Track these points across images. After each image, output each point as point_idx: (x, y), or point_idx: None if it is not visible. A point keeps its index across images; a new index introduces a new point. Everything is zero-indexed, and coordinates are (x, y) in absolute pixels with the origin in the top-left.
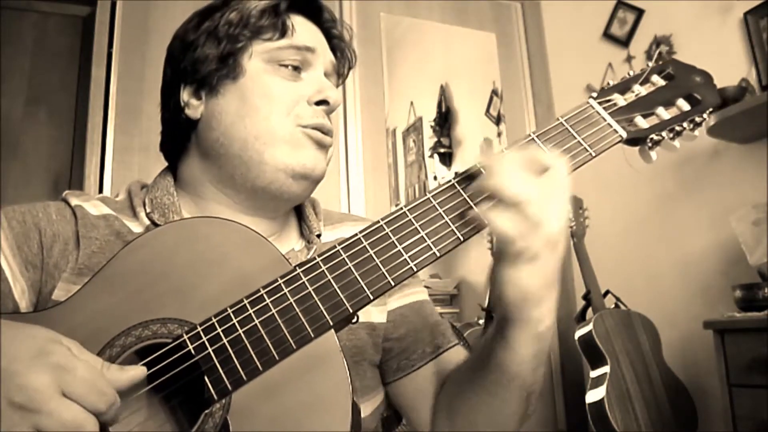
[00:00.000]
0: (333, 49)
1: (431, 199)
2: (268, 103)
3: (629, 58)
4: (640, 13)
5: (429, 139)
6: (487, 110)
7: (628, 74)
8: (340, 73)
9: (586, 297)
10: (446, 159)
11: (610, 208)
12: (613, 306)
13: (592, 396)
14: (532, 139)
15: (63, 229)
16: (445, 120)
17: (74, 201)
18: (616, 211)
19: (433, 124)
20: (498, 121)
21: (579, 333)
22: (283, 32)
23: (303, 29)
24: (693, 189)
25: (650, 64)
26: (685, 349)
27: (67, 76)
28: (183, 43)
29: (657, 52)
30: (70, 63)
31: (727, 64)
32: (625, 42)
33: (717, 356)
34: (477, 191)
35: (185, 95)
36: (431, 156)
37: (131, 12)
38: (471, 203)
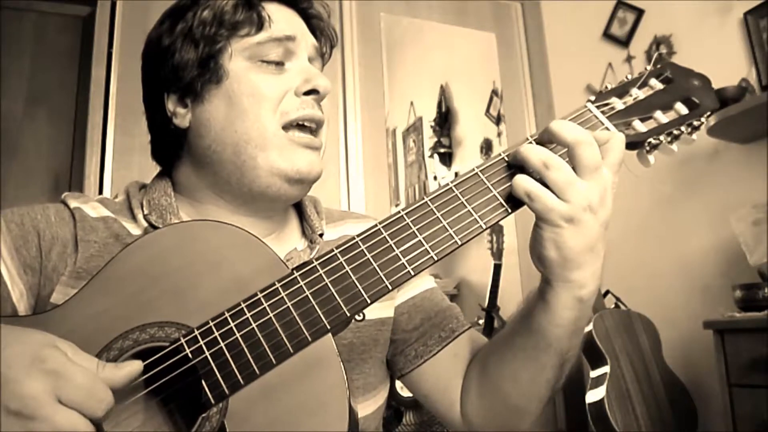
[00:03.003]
0: (313, 31)
1: (429, 203)
2: (256, 103)
3: (629, 58)
4: (640, 13)
5: (429, 139)
6: (487, 110)
7: (627, 77)
8: (323, 54)
9: None
10: (446, 159)
11: None
12: (613, 306)
13: (592, 396)
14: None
15: (62, 232)
16: (445, 120)
17: (73, 203)
18: (616, 211)
19: (433, 124)
20: (498, 121)
21: None
22: (260, 25)
23: (279, 17)
24: (693, 189)
25: (649, 68)
26: (685, 349)
27: (67, 76)
28: (159, 48)
29: (657, 54)
30: (70, 63)
31: (727, 64)
32: (625, 42)
33: (717, 356)
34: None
35: (170, 105)
36: (431, 156)
37: (131, 12)
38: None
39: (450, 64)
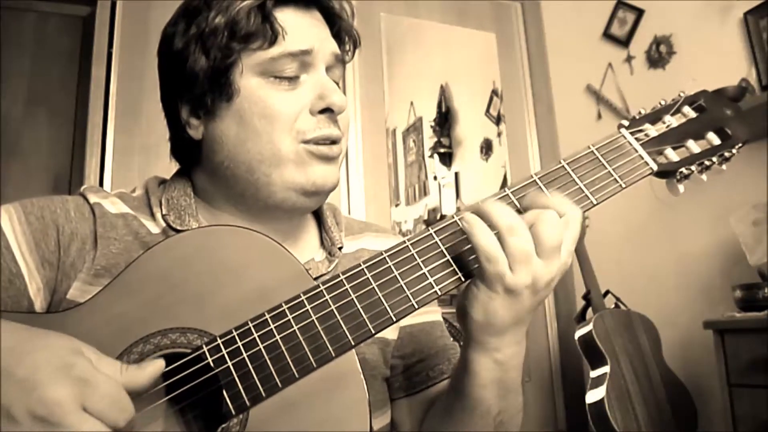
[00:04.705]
0: (336, 32)
1: (458, 222)
2: (269, 123)
3: (629, 58)
4: (640, 13)
5: (429, 139)
6: (487, 110)
7: (660, 103)
8: (344, 58)
9: (586, 297)
10: (446, 159)
11: (610, 208)
12: (613, 306)
13: (592, 396)
14: (563, 166)
15: (81, 228)
16: (445, 120)
17: (93, 198)
18: (617, 211)
19: (433, 124)
20: (498, 121)
21: (579, 333)
22: (273, 39)
23: (296, 27)
24: (693, 189)
25: (682, 95)
26: (685, 349)
27: (67, 76)
28: (171, 51)
29: (691, 79)
30: (70, 63)
31: (727, 64)
32: (625, 42)
33: (717, 356)
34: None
35: (184, 114)
36: (431, 156)
37: (131, 12)
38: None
39: (450, 64)
